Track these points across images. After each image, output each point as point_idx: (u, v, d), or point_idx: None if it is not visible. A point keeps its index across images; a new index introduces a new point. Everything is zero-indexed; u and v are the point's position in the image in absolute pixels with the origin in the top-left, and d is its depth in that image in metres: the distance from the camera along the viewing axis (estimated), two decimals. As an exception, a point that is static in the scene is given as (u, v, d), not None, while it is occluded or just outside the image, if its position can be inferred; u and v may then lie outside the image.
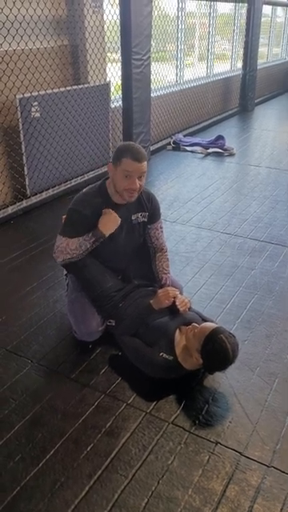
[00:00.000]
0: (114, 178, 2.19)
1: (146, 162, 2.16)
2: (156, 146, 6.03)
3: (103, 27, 4.83)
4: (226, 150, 5.97)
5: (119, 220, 2.24)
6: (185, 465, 1.79)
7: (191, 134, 6.81)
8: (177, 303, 2.26)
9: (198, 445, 1.87)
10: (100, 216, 2.23)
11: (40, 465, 1.78)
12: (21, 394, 2.11)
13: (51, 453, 1.83)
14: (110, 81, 5.04)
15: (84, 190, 2.32)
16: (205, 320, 2.32)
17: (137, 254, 2.47)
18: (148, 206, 2.36)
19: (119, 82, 5.14)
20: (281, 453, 1.84)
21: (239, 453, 1.84)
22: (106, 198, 2.25)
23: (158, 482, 1.71)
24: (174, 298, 2.28)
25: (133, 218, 2.33)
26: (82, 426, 1.94)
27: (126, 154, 2.12)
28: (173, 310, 2.30)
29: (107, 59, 5.11)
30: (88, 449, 1.84)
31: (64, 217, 2.78)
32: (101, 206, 2.24)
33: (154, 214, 2.40)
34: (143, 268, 2.49)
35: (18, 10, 3.75)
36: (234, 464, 1.79)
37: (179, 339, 2.19)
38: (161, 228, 2.46)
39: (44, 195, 4.36)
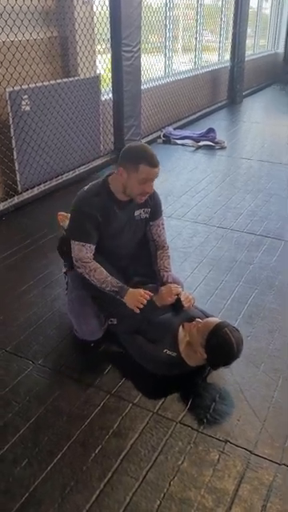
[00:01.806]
0: (126, 183, 2.14)
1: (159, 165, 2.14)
2: (146, 140, 5.97)
3: (93, 18, 4.74)
4: (217, 143, 5.93)
5: (143, 301, 2.16)
6: (195, 465, 1.76)
7: (181, 127, 6.76)
8: (182, 299, 2.24)
9: (207, 444, 1.85)
10: (105, 214, 2.19)
11: (48, 469, 1.74)
12: (24, 397, 2.06)
13: (59, 456, 1.79)
14: (100, 73, 4.96)
15: (85, 187, 2.26)
16: (208, 317, 2.29)
17: (138, 250, 2.43)
18: (151, 202, 2.32)
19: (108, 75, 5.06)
20: (290, 450, 1.83)
21: (249, 451, 1.82)
22: (110, 196, 2.21)
23: (170, 483, 1.69)
24: (178, 294, 2.26)
25: (135, 214, 2.29)
26: (89, 428, 1.91)
27: (143, 160, 2.08)
28: (176, 306, 2.28)
29: (97, 51, 5.02)
30: (96, 451, 1.81)
31: (60, 214, 2.73)
32: (104, 203, 2.20)
33: (156, 211, 2.37)
34: (144, 265, 2.45)
35: (7, 0, 3.64)
36: (244, 463, 1.78)
37: (182, 336, 2.17)
38: (162, 225, 2.43)
39: (36, 191, 4.27)
